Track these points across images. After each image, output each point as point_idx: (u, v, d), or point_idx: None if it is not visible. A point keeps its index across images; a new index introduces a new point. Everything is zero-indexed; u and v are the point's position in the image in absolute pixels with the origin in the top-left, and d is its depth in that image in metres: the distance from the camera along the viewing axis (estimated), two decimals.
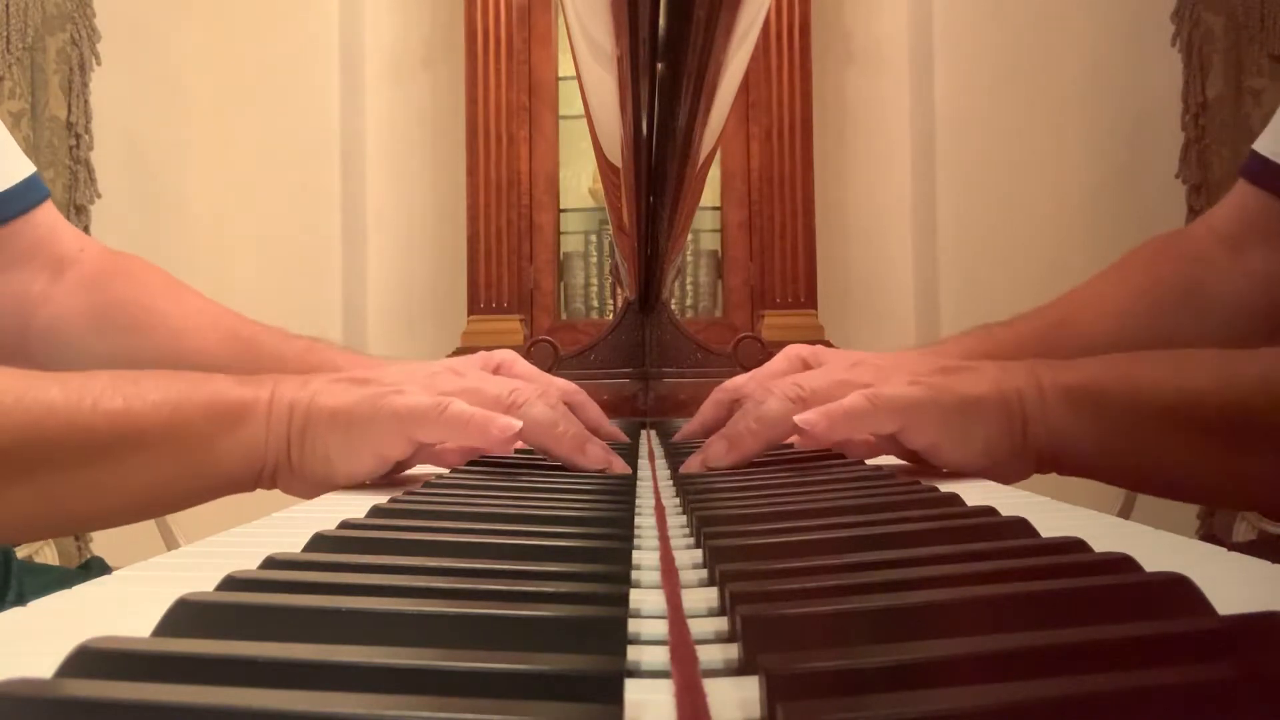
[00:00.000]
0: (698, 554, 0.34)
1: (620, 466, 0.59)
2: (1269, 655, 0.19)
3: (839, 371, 0.62)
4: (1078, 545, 0.29)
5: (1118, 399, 0.55)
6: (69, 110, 2.10)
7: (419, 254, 2.62)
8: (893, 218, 2.58)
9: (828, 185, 2.46)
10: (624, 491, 0.48)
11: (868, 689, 0.18)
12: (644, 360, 1.37)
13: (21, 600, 0.28)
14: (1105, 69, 2.41)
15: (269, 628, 0.23)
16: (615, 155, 0.70)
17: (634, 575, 0.31)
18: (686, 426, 0.79)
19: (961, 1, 2.49)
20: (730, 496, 0.46)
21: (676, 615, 0.26)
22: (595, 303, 2.46)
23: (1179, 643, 0.20)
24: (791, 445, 0.65)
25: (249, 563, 0.30)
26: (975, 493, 0.45)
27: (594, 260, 2.46)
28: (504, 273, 2.36)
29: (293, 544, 0.34)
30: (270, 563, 0.30)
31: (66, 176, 2.10)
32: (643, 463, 0.67)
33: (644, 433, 1.03)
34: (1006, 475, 0.57)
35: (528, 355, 1.33)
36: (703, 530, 0.35)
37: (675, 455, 0.69)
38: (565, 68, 2.40)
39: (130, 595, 0.31)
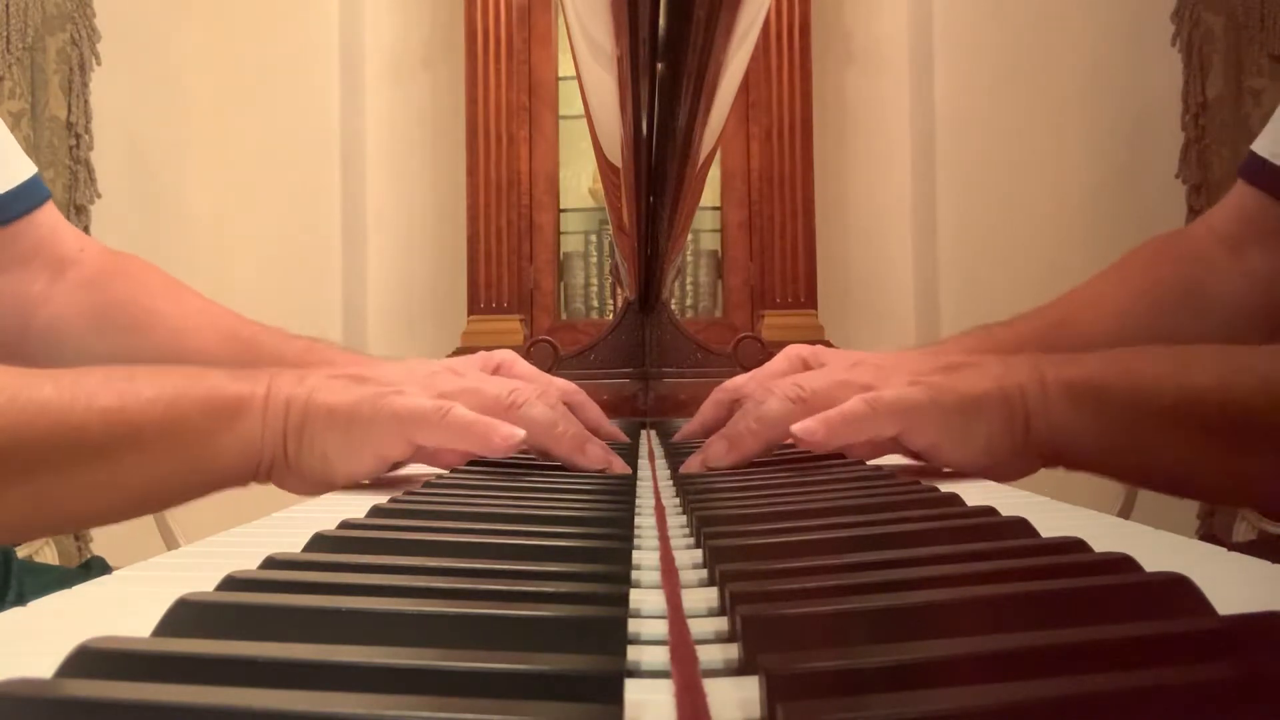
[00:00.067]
0: (698, 554, 0.34)
1: (620, 466, 0.59)
2: (1269, 655, 0.19)
3: (839, 372, 0.62)
4: (1078, 545, 0.29)
5: (1119, 395, 0.55)
6: (69, 110, 2.11)
7: (419, 254, 2.62)
8: (893, 218, 2.58)
9: (828, 185, 2.46)
10: (624, 491, 0.48)
11: (867, 689, 0.18)
12: (644, 360, 1.37)
13: (21, 600, 0.28)
14: (1105, 69, 2.41)
15: (269, 628, 0.23)
16: (615, 155, 0.70)
17: (634, 575, 0.31)
18: (686, 426, 0.79)
19: (961, 1, 2.49)
20: (730, 496, 0.46)
21: (676, 615, 0.26)
22: (595, 303, 2.46)
23: (1179, 643, 0.20)
24: (792, 445, 0.65)
25: (249, 563, 0.30)
26: (975, 493, 0.45)
27: (594, 260, 2.46)
28: (504, 273, 2.36)
29: (293, 544, 0.34)
30: (270, 563, 0.30)
31: (66, 176, 2.10)
32: (643, 463, 0.67)
33: (644, 433, 1.03)
34: (1008, 473, 0.57)
35: (528, 355, 1.33)
36: (703, 530, 0.35)
37: (675, 455, 0.69)
38: (565, 68, 2.40)
39: (130, 595, 0.31)
